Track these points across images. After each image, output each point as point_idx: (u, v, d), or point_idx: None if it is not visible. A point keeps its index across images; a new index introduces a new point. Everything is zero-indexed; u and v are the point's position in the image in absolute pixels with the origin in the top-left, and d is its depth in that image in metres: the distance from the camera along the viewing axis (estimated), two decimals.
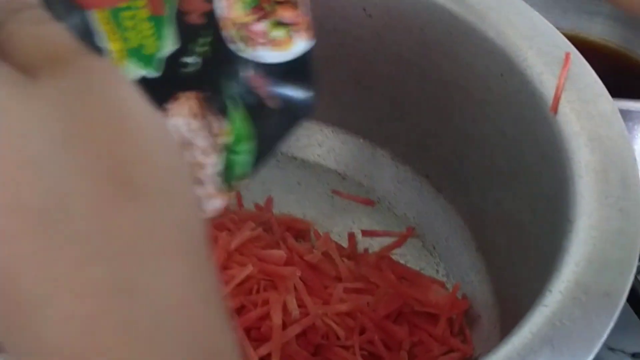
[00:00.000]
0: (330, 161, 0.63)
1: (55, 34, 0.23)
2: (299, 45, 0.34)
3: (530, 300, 0.39)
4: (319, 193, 0.61)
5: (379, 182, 0.61)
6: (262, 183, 0.61)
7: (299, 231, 0.58)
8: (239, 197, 0.60)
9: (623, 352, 0.57)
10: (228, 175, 0.32)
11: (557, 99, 0.46)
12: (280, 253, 0.51)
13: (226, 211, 0.58)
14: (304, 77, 0.34)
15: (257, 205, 0.60)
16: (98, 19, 0.27)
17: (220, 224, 0.53)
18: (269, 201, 0.60)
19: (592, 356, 0.35)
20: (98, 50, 0.27)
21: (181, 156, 0.24)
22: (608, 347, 0.57)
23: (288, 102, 0.34)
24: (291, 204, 0.60)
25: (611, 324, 0.36)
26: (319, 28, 0.58)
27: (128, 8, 0.28)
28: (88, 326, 0.20)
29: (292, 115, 0.34)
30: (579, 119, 0.45)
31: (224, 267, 0.49)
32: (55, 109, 0.22)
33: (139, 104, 0.23)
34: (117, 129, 0.22)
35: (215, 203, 0.31)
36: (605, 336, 0.36)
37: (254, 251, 0.51)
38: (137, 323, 0.21)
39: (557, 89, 0.47)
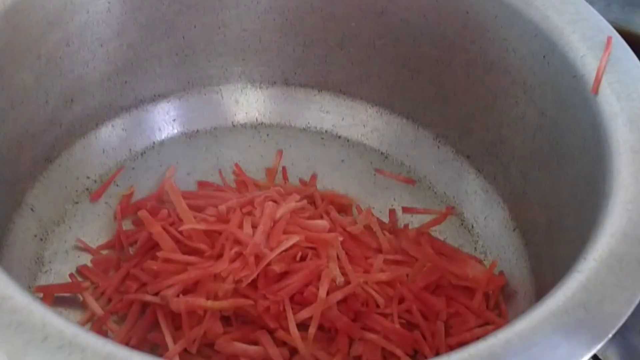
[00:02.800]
0: (374, 140, 0.65)
1: None
2: None
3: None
4: (362, 171, 0.63)
5: (420, 161, 0.63)
6: (307, 160, 0.63)
7: (341, 206, 0.59)
8: (284, 172, 0.62)
9: None
10: None
11: (598, 81, 0.48)
12: (323, 223, 0.53)
13: (272, 184, 0.60)
14: None
15: (301, 181, 0.62)
16: None
17: (267, 197, 0.55)
18: (314, 177, 0.62)
19: (623, 320, 0.36)
20: None
21: None
22: None
23: None
24: (335, 180, 0.62)
25: None
26: (367, 10, 0.60)
27: None
28: None
29: None
30: (619, 100, 0.47)
31: (270, 235, 0.51)
32: None
33: None
34: None
35: None
36: (636, 302, 0.37)
37: (298, 221, 0.53)
38: None
39: (599, 70, 0.48)
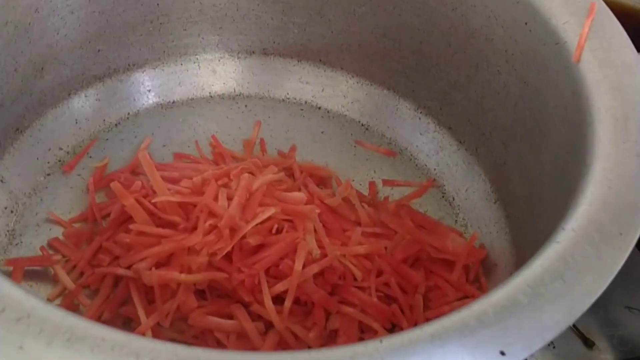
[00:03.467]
0: (354, 112, 0.63)
1: None
2: None
3: None
4: (342, 143, 0.62)
5: (401, 133, 0.62)
6: (285, 131, 0.62)
7: (320, 178, 0.58)
8: (262, 144, 0.61)
9: None
10: None
11: (580, 47, 0.47)
12: (300, 195, 0.52)
13: (250, 156, 0.59)
14: None
15: (280, 152, 0.60)
16: None
17: (243, 168, 0.54)
18: (293, 149, 0.61)
19: (601, 291, 0.35)
20: None
21: None
22: (625, 305, 0.58)
23: None
24: (314, 152, 0.61)
25: (622, 262, 0.36)
26: None
27: None
28: None
29: None
30: (602, 67, 0.46)
31: (245, 207, 0.50)
32: None
33: None
34: None
35: None
36: (615, 273, 0.36)
37: (274, 193, 0.52)
38: None
39: (581, 37, 0.47)
